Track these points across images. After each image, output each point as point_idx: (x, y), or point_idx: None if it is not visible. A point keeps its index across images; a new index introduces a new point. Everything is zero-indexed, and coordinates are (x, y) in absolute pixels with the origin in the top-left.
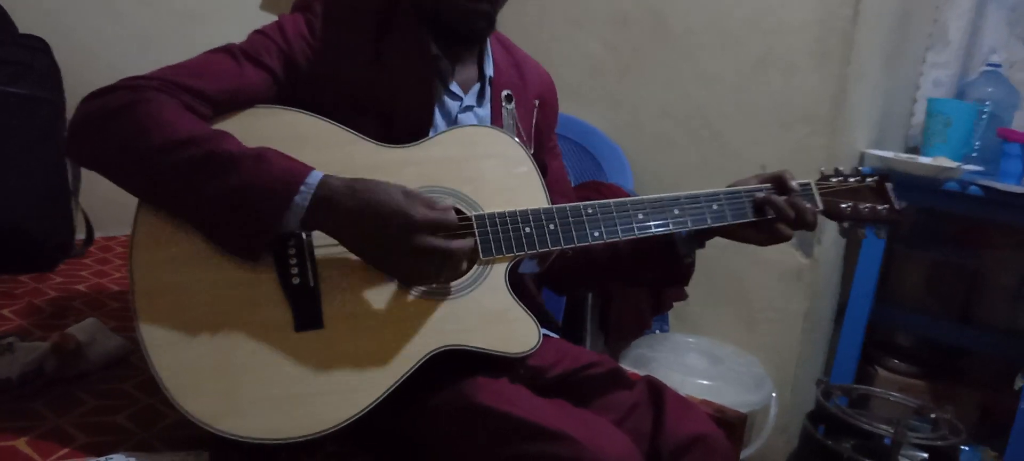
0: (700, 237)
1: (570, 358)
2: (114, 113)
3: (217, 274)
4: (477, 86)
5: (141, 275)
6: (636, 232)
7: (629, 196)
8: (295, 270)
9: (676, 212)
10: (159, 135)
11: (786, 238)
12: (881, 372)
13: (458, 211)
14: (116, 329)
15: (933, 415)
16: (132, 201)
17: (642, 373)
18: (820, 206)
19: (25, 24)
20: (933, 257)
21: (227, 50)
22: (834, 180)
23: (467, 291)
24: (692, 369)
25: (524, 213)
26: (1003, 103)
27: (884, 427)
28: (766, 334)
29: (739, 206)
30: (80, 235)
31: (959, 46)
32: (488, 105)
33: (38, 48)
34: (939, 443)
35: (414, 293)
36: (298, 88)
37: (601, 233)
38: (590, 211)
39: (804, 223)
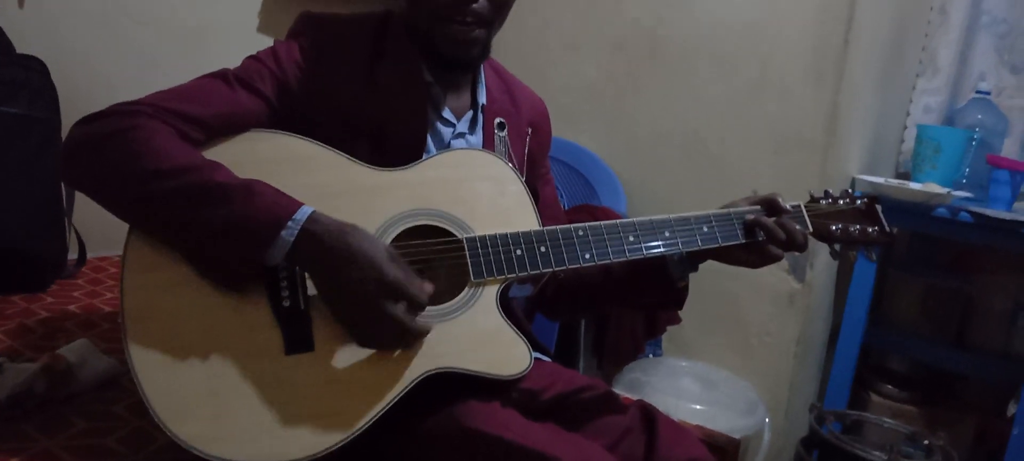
0: (693, 260)
1: (563, 382)
2: (105, 139)
3: (208, 298)
4: (470, 113)
5: (132, 298)
6: (627, 254)
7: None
8: (286, 293)
9: (667, 234)
10: (149, 162)
11: (777, 258)
12: (875, 397)
13: (448, 233)
14: (107, 350)
15: (927, 441)
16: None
17: (635, 397)
18: (810, 228)
19: (24, 44)
20: (926, 281)
21: (221, 75)
22: (824, 202)
23: (459, 313)
24: (685, 394)
25: (515, 235)
26: (992, 130)
27: (878, 454)
28: (759, 359)
29: (729, 228)
30: (73, 255)
31: (949, 73)
32: (480, 132)
33: (34, 68)
34: None
35: None
36: (292, 113)
37: (592, 255)
38: (581, 233)
39: (794, 244)
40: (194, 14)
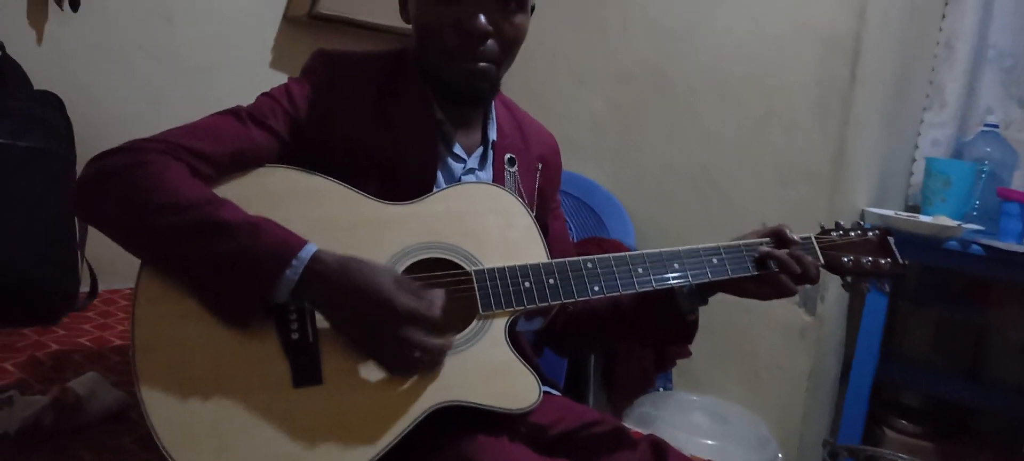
0: (703, 293)
1: (572, 416)
2: (117, 174)
3: (217, 330)
4: (480, 149)
5: (142, 330)
6: (636, 286)
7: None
8: (295, 326)
9: (676, 266)
10: (158, 197)
11: (790, 292)
12: (889, 432)
13: (457, 265)
14: (117, 383)
15: None
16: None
17: (645, 432)
18: (821, 260)
19: (42, 80)
20: (939, 314)
21: (234, 112)
22: (835, 234)
23: (467, 346)
24: (696, 428)
25: (524, 268)
26: (1002, 163)
27: None
28: (770, 393)
29: (739, 260)
30: (85, 288)
31: (956, 106)
32: (490, 168)
33: (51, 103)
34: None
35: None
36: (303, 149)
37: (601, 287)
38: (590, 265)
39: (806, 276)
40: (208, 52)
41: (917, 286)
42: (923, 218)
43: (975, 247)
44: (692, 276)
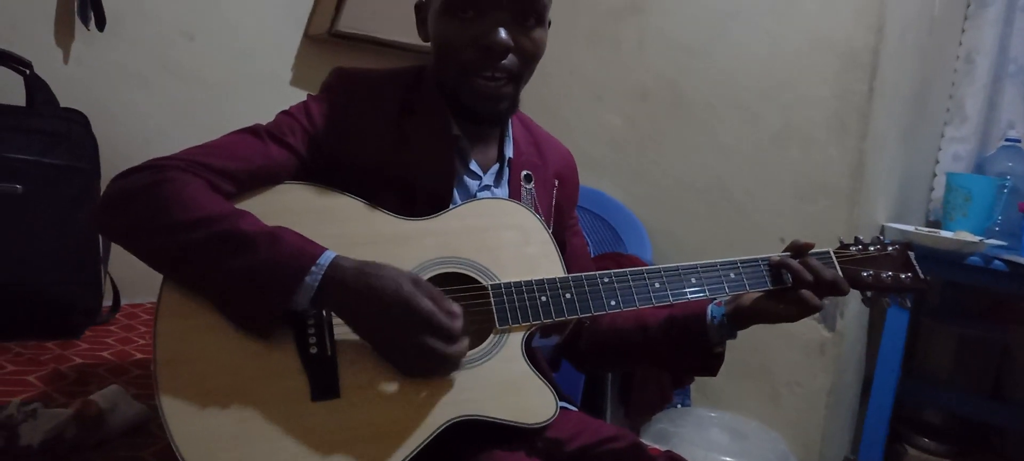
0: (733, 326)
1: (590, 432)
2: (138, 191)
3: (237, 344)
4: (496, 166)
5: (163, 343)
6: (653, 301)
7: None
8: (313, 340)
9: (693, 281)
10: (178, 212)
11: (815, 307)
12: (911, 450)
13: (474, 280)
14: (138, 396)
15: None
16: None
17: (663, 448)
18: (840, 275)
19: (68, 98)
20: (961, 331)
21: (253, 130)
22: (854, 248)
23: (483, 361)
24: (714, 445)
25: (540, 282)
26: (1023, 177)
27: None
28: (790, 409)
29: (757, 274)
30: (107, 302)
31: (977, 121)
32: (507, 185)
33: (76, 120)
34: None
35: None
36: (322, 166)
37: (618, 302)
38: (606, 280)
39: (825, 285)
40: (229, 70)
41: (938, 303)
42: (944, 233)
43: (998, 263)
44: (709, 291)
